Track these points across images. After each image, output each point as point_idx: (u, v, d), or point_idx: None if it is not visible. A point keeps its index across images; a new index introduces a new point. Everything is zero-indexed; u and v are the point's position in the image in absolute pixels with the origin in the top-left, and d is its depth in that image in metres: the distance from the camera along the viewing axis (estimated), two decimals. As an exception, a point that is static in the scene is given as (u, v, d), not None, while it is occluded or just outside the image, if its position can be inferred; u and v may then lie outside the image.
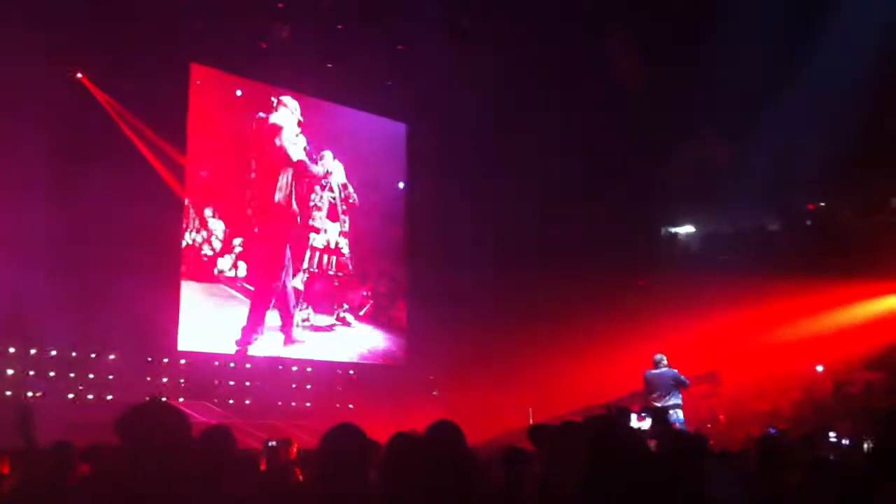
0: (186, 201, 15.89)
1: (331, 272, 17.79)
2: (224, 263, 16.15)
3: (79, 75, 14.85)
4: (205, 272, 15.93)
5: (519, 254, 17.82)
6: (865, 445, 10.85)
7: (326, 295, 17.69)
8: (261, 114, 16.80)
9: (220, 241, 16.11)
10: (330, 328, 17.66)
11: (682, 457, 4.57)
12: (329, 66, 17.19)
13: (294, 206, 17.01)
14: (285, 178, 16.89)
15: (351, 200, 18.06)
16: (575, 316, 17.03)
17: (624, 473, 3.11)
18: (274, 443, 8.09)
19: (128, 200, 13.79)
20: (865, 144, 15.96)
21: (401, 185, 19.48)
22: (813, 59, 15.58)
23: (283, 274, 16.76)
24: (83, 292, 13.18)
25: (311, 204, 17.39)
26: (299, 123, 17.14)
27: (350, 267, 18.08)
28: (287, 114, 17.00)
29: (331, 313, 17.72)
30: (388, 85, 17.78)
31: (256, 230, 16.60)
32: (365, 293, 18.43)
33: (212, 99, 16.47)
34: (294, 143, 17.03)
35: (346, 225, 18.05)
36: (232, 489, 3.99)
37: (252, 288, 16.42)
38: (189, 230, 15.81)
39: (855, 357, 16.02)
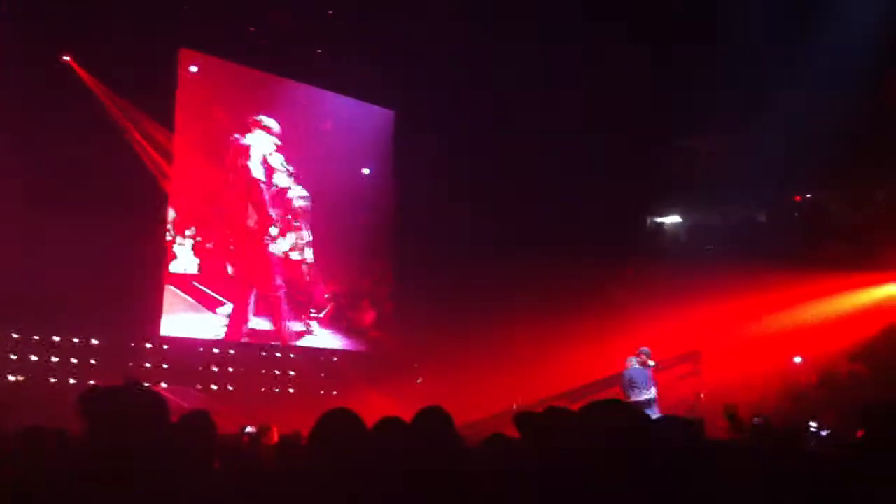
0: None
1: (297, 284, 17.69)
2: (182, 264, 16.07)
3: (66, 58, 14.69)
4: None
5: (505, 242, 17.78)
6: (851, 438, 10.84)
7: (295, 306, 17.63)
8: (236, 135, 16.70)
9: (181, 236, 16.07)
10: (300, 335, 17.65)
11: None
12: (318, 52, 17.12)
13: (256, 223, 16.96)
14: (254, 201, 16.87)
15: (304, 204, 17.87)
16: (561, 304, 17.03)
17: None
18: (252, 429, 8.05)
19: (114, 183, 13.75)
20: (853, 136, 15.96)
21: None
22: (802, 53, 15.59)
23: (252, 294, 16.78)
24: (64, 276, 13.06)
25: (276, 219, 17.27)
26: (277, 147, 17.12)
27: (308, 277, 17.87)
28: (261, 136, 16.93)
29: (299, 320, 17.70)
30: (377, 71, 17.62)
31: (232, 247, 16.63)
32: (327, 295, 18.31)
33: (200, 84, 16.37)
34: (264, 166, 16.98)
35: (309, 235, 17.87)
36: (210, 475, 3.93)
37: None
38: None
39: (839, 348, 16.08)
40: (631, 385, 12.51)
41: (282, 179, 17.31)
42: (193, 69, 16.34)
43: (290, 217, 17.47)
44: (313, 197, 17.76)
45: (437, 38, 15.97)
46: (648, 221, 21.05)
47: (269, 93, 17.40)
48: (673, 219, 20.93)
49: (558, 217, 17.95)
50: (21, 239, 12.75)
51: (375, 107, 19.18)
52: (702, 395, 15.56)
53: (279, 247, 17.21)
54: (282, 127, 17.25)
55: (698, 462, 3.19)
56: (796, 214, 19.40)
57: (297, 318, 17.55)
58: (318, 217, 17.87)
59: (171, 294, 15.70)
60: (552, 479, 3.14)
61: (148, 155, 15.64)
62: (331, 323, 18.20)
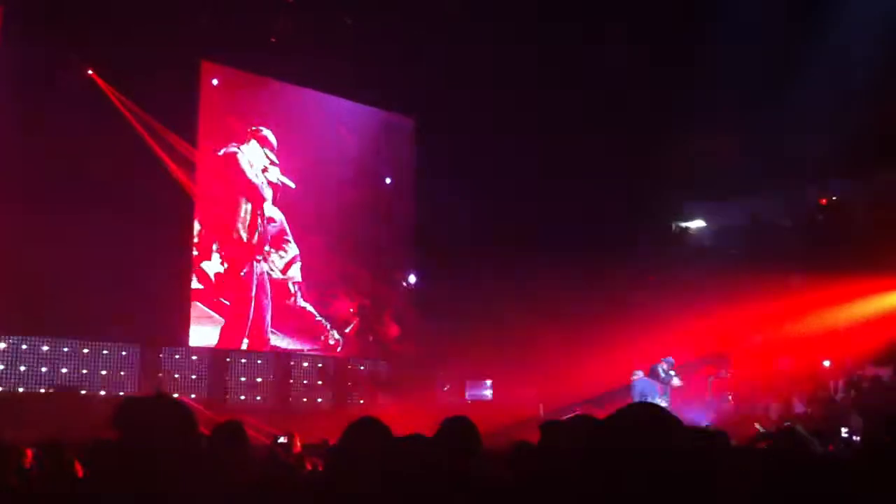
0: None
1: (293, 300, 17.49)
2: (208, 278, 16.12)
3: (90, 72, 14.85)
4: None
5: (527, 249, 17.74)
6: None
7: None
8: (233, 146, 16.60)
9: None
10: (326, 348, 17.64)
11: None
12: (337, 58, 17.18)
13: (254, 239, 16.82)
14: (246, 210, 16.70)
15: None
16: (585, 310, 17.00)
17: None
18: (283, 439, 8.13)
19: (138, 195, 13.86)
20: (879, 138, 15.84)
21: (388, 180, 19.35)
22: (824, 52, 15.51)
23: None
24: (93, 287, 13.19)
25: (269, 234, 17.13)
26: (271, 162, 17.04)
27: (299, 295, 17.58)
28: (255, 147, 16.85)
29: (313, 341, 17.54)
30: (396, 79, 17.63)
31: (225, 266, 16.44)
32: (351, 310, 18.24)
33: (222, 95, 16.49)
34: (259, 177, 16.88)
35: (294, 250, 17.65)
36: (244, 485, 3.99)
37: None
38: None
39: (864, 352, 15.94)
40: (642, 396, 12.54)
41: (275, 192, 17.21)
42: (214, 82, 16.51)
43: (282, 234, 17.34)
44: (334, 209, 17.76)
45: (455, 42, 16.01)
46: (673, 226, 20.97)
47: (287, 103, 17.50)
48: (697, 223, 20.83)
49: (580, 222, 17.90)
50: (49, 252, 12.86)
51: (395, 114, 19.20)
52: (730, 398, 15.50)
53: (274, 265, 17.08)
54: (301, 137, 17.36)
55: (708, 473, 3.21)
56: (821, 217, 19.24)
57: (322, 332, 17.58)
58: (339, 229, 17.89)
59: (197, 310, 15.76)
60: (576, 486, 3.17)
61: (171, 164, 15.73)
62: (357, 337, 18.26)
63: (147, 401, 2.89)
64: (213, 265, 16.10)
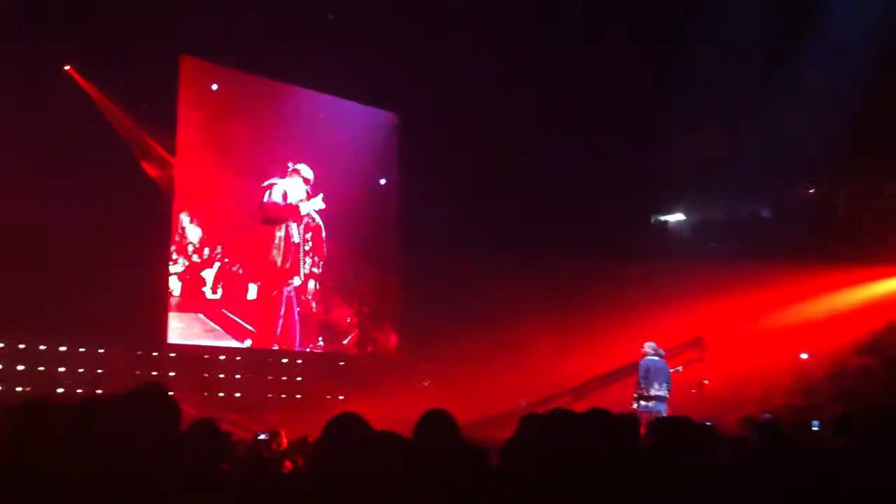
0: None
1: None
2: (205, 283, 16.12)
3: (66, 68, 14.69)
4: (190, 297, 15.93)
5: (511, 244, 17.75)
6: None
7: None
8: (275, 179, 16.99)
9: (196, 250, 16.04)
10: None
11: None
12: (318, 53, 17.08)
13: (287, 263, 17.20)
14: (280, 237, 17.08)
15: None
16: (567, 304, 17.07)
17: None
18: (264, 435, 8.07)
19: (116, 193, 13.77)
20: (860, 130, 15.96)
21: (382, 181, 19.33)
22: (807, 45, 15.61)
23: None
24: (70, 286, 13.07)
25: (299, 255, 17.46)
26: (308, 194, 17.41)
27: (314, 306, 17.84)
28: (298, 182, 17.28)
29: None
30: (379, 74, 17.52)
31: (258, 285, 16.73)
32: (349, 319, 18.32)
33: (200, 92, 16.36)
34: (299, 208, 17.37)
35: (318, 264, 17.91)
36: (223, 482, 3.94)
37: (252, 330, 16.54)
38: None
39: (846, 342, 16.04)
40: (646, 376, 12.34)
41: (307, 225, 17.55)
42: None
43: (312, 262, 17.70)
44: (333, 216, 17.89)
45: (439, 40, 15.98)
46: (653, 219, 21.03)
47: (273, 100, 17.45)
48: (677, 216, 20.90)
49: (563, 217, 17.95)
50: (25, 248, 12.74)
51: (378, 110, 19.08)
52: (706, 382, 15.54)
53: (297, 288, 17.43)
54: (295, 137, 17.48)
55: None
56: (802, 209, 19.33)
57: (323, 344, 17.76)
58: (337, 236, 17.97)
59: (200, 322, 15.80)
60: (553, 479, 3.15)
61: (151, 161, 15.66)
62: (358, 348, 18.33)
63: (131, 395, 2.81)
64: (251, 291, 16.57)
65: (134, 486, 2.51)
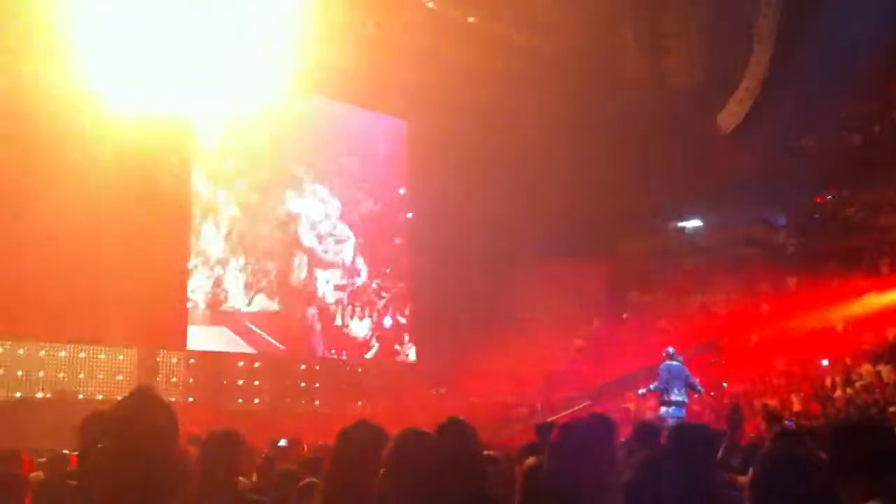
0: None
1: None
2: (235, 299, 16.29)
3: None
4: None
5: (523, 250, 17.74)
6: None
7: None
8: (293, 198, 17.23)
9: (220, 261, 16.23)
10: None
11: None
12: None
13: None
14: (300, 261, 17.29)
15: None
16: (585, 310, 17.07)
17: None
18: (283, 442, 8.07)
19: (139, 202, 13.81)
20: (875, 135, 15.89)
21: (401, 191, 19.38)
22: (821, 51, 15.56)
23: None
24: (90, 293, 13.11)
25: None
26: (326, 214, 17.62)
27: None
28: (315, 202, 17.47)
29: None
30: (388, 81, 17.51)
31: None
32: (369, 331, 18.41)
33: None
34: (313, 231, 17.52)
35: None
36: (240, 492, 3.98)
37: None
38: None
39: (861, 350, 15.92)
40: (666, 380, 12.25)
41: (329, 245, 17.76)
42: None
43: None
44: (354, 228, 18.10)
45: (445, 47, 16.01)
46: (670, 225, 20.95)
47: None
48: (693, 223, 20.81)
49: (573, 222, 17.91)
50: (44, 255, 12.77)
51: (387, 117, 19.04)
52: (724, 385, 15.49)
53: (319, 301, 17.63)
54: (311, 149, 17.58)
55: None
56: (817, 216, 19.21)
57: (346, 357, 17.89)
58: (357, 249, 18.15)
59: (225, 335, 15.94)
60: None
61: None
62: (378, 358, 18.39)
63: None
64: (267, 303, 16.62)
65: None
